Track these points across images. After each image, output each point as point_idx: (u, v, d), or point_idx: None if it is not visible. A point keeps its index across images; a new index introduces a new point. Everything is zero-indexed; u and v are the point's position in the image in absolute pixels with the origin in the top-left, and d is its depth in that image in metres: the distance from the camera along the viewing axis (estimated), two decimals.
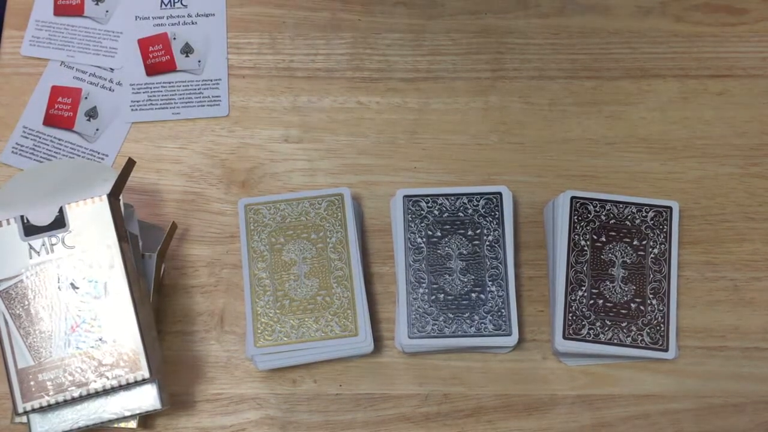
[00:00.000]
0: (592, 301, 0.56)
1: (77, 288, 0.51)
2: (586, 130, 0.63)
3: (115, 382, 0.50)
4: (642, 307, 0.56)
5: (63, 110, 0.63)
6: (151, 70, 0.65)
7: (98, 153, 0.62)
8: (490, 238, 0.57)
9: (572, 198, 0.58)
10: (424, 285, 0.57)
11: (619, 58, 0.65)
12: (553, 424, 0.56)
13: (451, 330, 0.56)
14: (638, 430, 0.56)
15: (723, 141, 0.62)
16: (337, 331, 0.55)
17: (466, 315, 0.56)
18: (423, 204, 0.58)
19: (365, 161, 0.62)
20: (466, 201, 0.58)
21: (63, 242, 0.52)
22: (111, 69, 0.65)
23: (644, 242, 0.57)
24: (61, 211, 0.52)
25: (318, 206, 0.58)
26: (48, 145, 0.63)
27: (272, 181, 0.61)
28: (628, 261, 0.57)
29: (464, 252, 0.57)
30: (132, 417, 0.52)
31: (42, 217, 0.52)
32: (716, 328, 0.58)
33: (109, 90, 0.64)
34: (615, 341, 0.55)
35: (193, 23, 0.66)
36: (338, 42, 0.65)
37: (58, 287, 0.51)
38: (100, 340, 0.51)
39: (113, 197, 0.53)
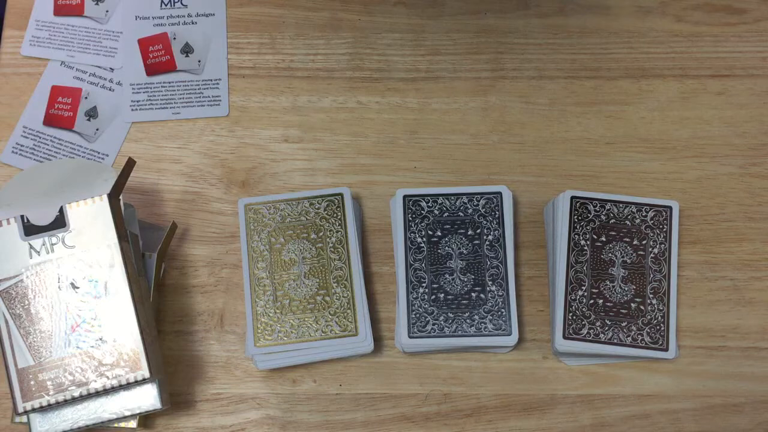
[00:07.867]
0: (592, 301, 0.56)
1: (77, 288, 0.51)
2: (586, 130, 0.63)
3: (115, 382, 0.50)
4: (642, 307, 0.56)
5: (63, 110, 0.63)
6: (151, 70, 0.65)
7: (98, 153, 0.62)
8: (490, 237, 0.57)
9: (572, 198, 0.58)
10: (424, 285, 0.57)
11: (619, 58, 0.65)
12: (553, 424, 0.56)
13: (451, 330, 0.56)
14: (638, 430, 0.56)
15: (723, 141, 0.62)
16: (337, 330, 0.55)
17: (466, 315, 0.56)
18: (423, 204, 0.58)
19: (365, 161, 0.62)
20: (466, 201, 0.58)
21: (63, 242, 0.52)
22: (111, 69, 0.65)
23: (644, 242, 0.57)
24: (61, 210, 0.52)
25: (318, 206, 0.58)
26: (48, 145, 0.63)
27: (272, 180, 0.61)
28: (628, 261, 0.57)
29: (464, 252, 0.57)
30: (132, 417, 0.52)
31: (42, 216, 0.52)
32: (716, 327, 0.58)
33: (109, 90, 0.64)
34: (615, 341, 0.55)
35: (193, 23, 0.66)
36: (338, 42, 0.65)
37: (59, 287, 0.51)
38: (101, 339, 0.51)
39: (113, 197, 0.53)
